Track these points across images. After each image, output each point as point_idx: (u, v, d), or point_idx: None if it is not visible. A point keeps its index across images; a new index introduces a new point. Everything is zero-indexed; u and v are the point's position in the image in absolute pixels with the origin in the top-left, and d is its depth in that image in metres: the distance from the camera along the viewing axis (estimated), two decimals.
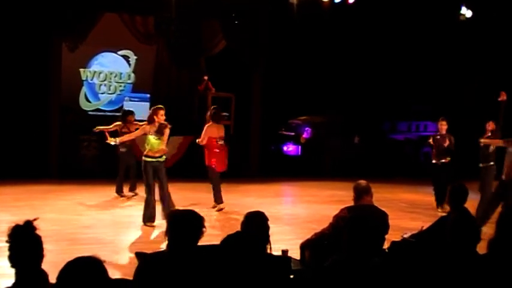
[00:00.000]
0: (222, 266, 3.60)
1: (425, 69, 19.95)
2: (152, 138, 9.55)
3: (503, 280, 4.14)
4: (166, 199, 9.71)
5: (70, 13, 14.49)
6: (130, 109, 13.00)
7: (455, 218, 4.55)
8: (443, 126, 11.95)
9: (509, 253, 4.38)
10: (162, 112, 9.57)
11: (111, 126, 12.14)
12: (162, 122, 9.57)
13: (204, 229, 3.86)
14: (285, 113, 18.75)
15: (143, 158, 9.67)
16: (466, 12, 17.08)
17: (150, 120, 9.64)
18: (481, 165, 11.11)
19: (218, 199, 11.07)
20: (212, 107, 11.81)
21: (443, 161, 11.86)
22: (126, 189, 12.38)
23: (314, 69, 19.07)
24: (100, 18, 15.39)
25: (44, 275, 3.40)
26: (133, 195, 12.35)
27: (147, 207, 9.60)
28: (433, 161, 12.00)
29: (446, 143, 11.81)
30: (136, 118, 17.23)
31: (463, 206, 5.96)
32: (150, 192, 9.59)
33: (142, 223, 9.60)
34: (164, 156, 9.80)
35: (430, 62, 19.86)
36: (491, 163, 10.99)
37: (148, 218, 9.55)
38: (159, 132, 9.54)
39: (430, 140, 12.20)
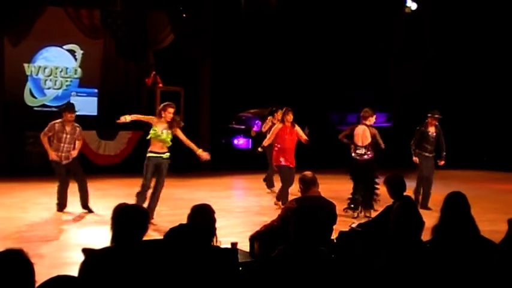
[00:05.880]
0: (167, 260, 3.57)
1: (371, 60, 20.25)
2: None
3: (446, 265, 4.22)
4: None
5: (12, 7, 14.12)
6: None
7: (398, 207, 4.62)
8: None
9: (453, 239, 4.47)
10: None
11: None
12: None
13: (148, 224, 3.84)
14: (235, 107, 18.71)
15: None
16: (412, 5, 17.47)
17: None
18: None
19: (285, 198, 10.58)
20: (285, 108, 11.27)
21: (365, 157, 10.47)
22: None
23: (263, 62, 19.07)
24: (44, 11, 15.07)
25: None
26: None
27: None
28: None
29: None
30: (84, 113, 17.13)
31: (405, 195, 6.05)
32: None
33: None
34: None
35: (376, 53, 20.16)
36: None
37: None
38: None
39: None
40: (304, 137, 11.04)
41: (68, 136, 10.02)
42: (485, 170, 17.52)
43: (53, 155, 9.97)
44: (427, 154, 11.46)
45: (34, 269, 3.06)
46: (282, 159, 10.92)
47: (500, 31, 18.71)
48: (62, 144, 10.00)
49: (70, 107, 10.40)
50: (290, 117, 11.01)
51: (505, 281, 4.13)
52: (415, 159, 11.43)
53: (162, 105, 9.64)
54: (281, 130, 11.00)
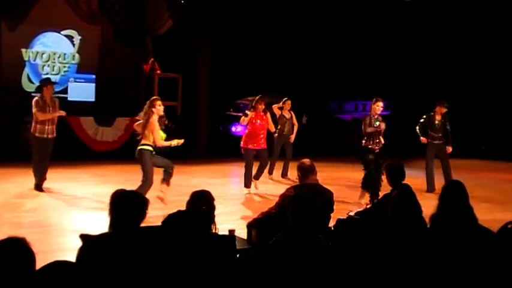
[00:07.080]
0: (165, 246, 3.56)
1: (370, 51, 20.22)
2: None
3: (444, 254, 4.22)
4: None
5: None
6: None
7: (396, 195, 4.62)
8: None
9: (450, 228, 4.47)
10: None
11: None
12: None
13: (146, 211, 3.84)
14: (233, 94, 18.69)
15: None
16: None
17: None
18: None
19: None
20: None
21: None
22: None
23: (262, 49, 19.04)
24: None
25: None
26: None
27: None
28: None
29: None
30: (82, 99, 17.09)
31: (403, 183, 6.05)
32: None
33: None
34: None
35: (376, 43, 20.13)
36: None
37: None
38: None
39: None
40: (272, 127, 11.84)
41: (51, 108, 10.58)
42: (484, 159, 17.55)
43: (61, 112, 10.64)
44: (436, 142, 11.74)
45: (35, 257, 3.03)
46: (250, 144, 11.42)
47: (497, 18, 18.67)
48: None
49: (50, 80, 11.16)
50: (262, 106, 11.45)
51: (502, 270, 4.12)
52: (423, 139, 11.73)
53: (148, 101, 9.15)
54: (254, 117, 11.39)
